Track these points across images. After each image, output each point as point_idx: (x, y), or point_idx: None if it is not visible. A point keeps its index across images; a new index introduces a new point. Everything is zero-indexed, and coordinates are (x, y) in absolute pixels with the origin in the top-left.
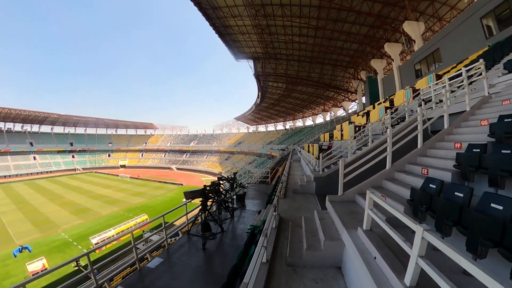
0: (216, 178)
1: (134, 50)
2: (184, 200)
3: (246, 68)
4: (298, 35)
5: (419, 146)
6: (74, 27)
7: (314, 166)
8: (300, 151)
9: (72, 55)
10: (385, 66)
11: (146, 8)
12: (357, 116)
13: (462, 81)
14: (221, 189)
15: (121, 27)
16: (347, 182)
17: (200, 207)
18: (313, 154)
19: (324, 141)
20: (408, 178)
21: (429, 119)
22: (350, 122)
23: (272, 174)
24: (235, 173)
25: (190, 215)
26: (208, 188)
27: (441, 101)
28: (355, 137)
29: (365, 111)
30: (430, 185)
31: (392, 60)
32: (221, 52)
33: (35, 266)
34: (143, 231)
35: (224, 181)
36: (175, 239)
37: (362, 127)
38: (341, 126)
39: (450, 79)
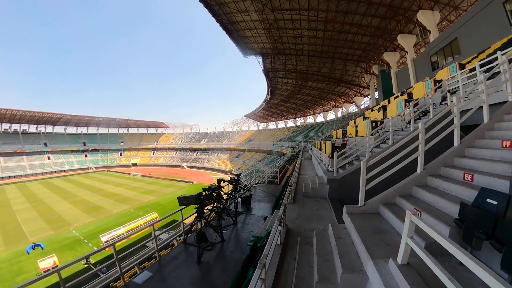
0: (225, 176)
1: (141, 50)
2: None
3: (255, 66)
4: (307, 29)
5: (455, 144)
6: (82, 29)
7: (327, 166)
8: (311, 149)
9: (81, 56)
10: (398, 59)
11: (152, 7)
12: (372, 111)
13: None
14: (222, 193)
15: (128, 28)
16: (369, 189)
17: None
18: (325, 153)
19: (337, 138)
20: (446, 185)
21: (462, 112)
22: (365, 118)
23: (281, 173)
24: (238, 175)
25: (190, 220)
26: (204, 193)
27: (475, 91)
28: (372, 134)
29: (381, 105)
30: (488, 200)
31: (406, 52)
32: (230, 50)
33: (47, 263)
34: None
35: (226, 183)
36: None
37: (379, 122)
38: (355, 121)
39: (482, 65)
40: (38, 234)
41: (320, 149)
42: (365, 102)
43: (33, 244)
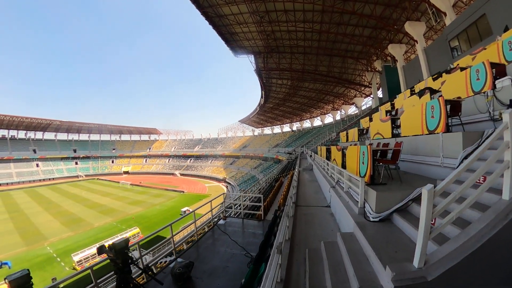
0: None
1: (136, 56)
2: None
3: (250, 69)
4: (302, 21)
5: None
6: (75, 36)
7: (365, 208)
8: (311, 156)
9: (75, 63)
10: (405, 51)
11: (146, 14)
12: (390, 103)
13: None
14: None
15: (122, 35)
16: None
17: None
18: (342, 167)
19: (350, 139)
20: None
21: None
22: (422, 92)
23: (268, 198)
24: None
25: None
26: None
27: None
28: (449, 127)
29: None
30: None
31: (416, 42)
32: (226, 55)
33: None
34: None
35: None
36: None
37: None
38: (388, 113)
39: None
40: (9, 250)
41: (328, 158)
42: (367, 102)
43: (0, 263)
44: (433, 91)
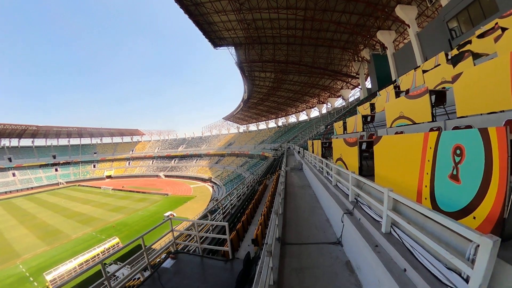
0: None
1: (113, 50)
2: None
3: (232, 63)
4: (285, 8)
5: None
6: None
7: None
8: (299, 152)
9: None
10: (394, 39)
11: (123, 8)
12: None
13: None
14: None
15: (97, 30)
16: None
17: None
18: (361, 174)
19: (349, 130)
20: None
21: None
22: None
23: (249, 209)
24: None
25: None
26: None
27: None
28: None
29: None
30: None
31: (408, 26)
32: (206, 50)
33: None
34: (105, 263)
35: None
36: None
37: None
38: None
39: None
40: None
41: (325, 156)
42: (355, 93)
43: None
44: (476, 55)
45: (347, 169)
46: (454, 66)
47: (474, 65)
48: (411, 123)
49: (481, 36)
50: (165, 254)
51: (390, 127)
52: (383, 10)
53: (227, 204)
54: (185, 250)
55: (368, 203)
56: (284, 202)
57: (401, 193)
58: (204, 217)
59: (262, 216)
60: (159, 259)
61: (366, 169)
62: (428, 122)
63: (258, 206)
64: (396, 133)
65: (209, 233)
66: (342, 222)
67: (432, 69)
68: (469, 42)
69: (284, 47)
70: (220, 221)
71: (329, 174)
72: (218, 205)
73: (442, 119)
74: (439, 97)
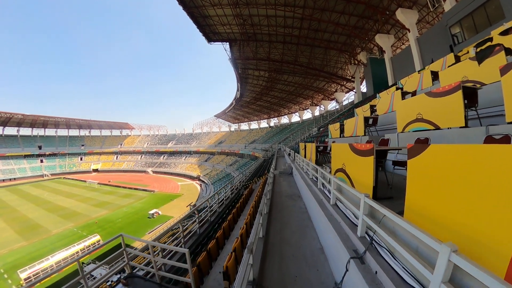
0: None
1: (105, 43)
2: None
3: (226, 62)
4: (283, 5)
5: None
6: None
7: None
8: (289, 154)
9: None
10: (392, 43)
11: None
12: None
13: None
14: None
15: (90, 23)
16: None
17: None
18: (374, 197)
19: (347, 134)
20: None
21: None
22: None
23: (230, 218)
24: None
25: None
26: None
27: None
28: None
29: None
30: None
31: (408, 30)
32: (201, 46)
33: None
34: (82, 263)
35: None
36: None
37: None
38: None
39: None
40: None
41: (318, 163)
42: (349, 97)
43: None
44: (508, 50)
45: (353, 186)
46: (479, 63)
47: (507, 61)
48: (433, 128)
49: (504, 33)
50: (118, 276)
51: (402, 131)
52: (383, 13)
53: (207, 209)
54: (142, 274)
55: (391, 249)
56: (268, 218)
57: (475, 255)
58: (184, 219)
59: (240, 237)
60: (109, 282)
61: (379, 187)
62: (460, 127)
63: (240, 215)
64: (419, 140)
65: (168, 258)
66: (347, 269)
67: (452, 65)
68: (490, 39)
69: (280, 45)
70: (188, 238)
71: (325, 186)
72: (195, 212)
73: (473, 125)
74: (470, 96)
